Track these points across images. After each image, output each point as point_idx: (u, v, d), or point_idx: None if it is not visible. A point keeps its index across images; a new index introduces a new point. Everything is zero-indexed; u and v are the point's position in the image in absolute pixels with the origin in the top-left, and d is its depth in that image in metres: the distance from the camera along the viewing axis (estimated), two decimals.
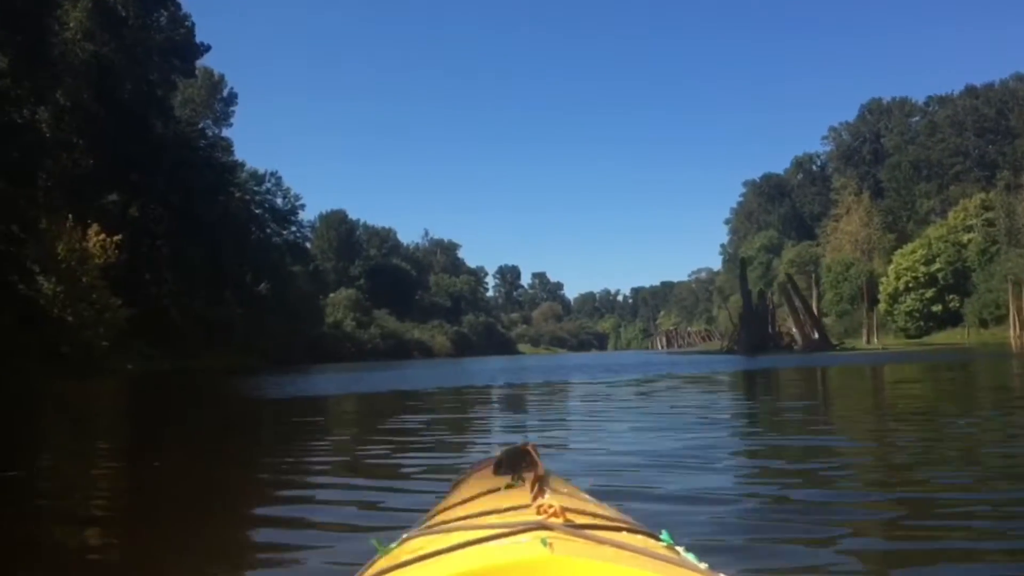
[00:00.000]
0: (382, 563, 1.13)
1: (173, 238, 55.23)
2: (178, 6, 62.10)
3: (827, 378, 18.98)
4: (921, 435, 6.62)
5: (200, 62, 67.62)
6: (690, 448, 5.88)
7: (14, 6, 37.59)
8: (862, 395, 13.56)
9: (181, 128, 62.61)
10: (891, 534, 3.34)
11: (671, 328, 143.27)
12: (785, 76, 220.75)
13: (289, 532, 3.77)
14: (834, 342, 55.05)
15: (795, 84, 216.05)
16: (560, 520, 1.08)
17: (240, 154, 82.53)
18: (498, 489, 1.45)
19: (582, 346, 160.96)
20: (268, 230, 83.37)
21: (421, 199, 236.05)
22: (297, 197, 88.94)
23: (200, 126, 70.19)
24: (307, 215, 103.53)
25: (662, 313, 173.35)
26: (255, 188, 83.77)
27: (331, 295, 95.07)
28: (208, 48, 65.76)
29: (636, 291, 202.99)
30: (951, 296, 68.02)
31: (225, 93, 75.51)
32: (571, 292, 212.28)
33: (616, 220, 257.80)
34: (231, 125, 77.18)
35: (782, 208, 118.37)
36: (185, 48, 62.80)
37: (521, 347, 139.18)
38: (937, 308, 68.48)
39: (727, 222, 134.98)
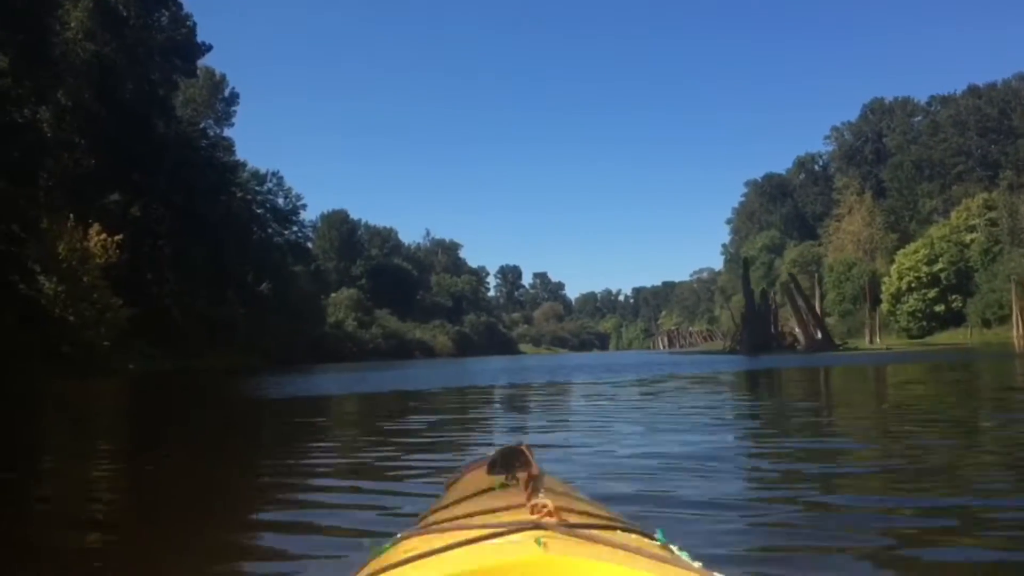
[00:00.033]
0: (375, 564, 1.13)
1: (175, 238, 55.19)
2: (179, 6, 62.19)
3: (831, 378, 18.90)
4: (936, 439, 6.52)
5: (201, 62, 67.79)
6: (700, 451, 5.80)
7: (14, 6, 37.54)
8: (868, 396, 13.47)
9: (183, 128, 62.64)
10: (906, 541, 3.22)
11: (673, 328, 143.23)
12: (787, 76, 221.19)
13: (289, 533, 3.75)
14: (837, 342, 54.93)
15: (797, 84, 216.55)
16: (554, 519, 1.08)
17: (241, 154, 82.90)
18: (492, 489, 1.46)
19: (583, 346, 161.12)
20: (270, 230, 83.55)
21: (422, 199, 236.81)
22: (298, 197, 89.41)
23: (201, 126, 70.28)
24: (308, 215, 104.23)
25: (663, 313, 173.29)
26: (257, 188, 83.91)
27: (333, 295, 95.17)
28: (209, 48, 65.92)
29: (638, 291, 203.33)
30: (954, 296, 67.91)
31: (226, 93, 75.61)
32: (572, 292, 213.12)
33: (617, 220, 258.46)
34: (232, 125, 77.36)
35: (784, 208, 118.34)
36: (186, 48, 62.82)
37: (522, 347, 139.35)
38: (940, 308, 68.36)
39: (729, 222, 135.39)
